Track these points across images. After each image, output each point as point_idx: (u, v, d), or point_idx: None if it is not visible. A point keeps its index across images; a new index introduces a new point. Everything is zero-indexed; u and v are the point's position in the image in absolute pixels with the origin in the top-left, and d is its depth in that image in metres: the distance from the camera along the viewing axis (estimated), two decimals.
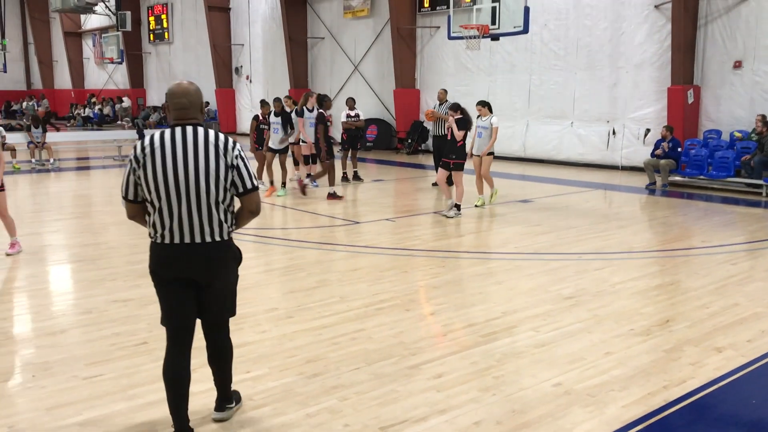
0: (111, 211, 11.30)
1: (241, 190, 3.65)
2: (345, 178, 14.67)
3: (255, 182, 3.71)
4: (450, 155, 10.69)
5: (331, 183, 12.42)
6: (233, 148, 3.62)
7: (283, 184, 13.14)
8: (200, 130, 3.59)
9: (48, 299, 6.60)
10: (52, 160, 17.61)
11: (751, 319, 5.86)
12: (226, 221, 3.65)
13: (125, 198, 3.66)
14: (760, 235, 9.66)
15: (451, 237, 9.47)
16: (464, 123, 10.57)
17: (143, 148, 3.54)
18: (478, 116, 11.53)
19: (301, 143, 13.73)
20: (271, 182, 13.04)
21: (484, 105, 11.52)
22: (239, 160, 3.62)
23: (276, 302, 6.37)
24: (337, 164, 15.71)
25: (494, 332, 5.53)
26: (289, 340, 5.31)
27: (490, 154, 11.51)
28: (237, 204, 3.79)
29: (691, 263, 8.05)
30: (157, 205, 3.54)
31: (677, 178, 14.13)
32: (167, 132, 3.58)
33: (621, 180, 15.31)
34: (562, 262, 7.92)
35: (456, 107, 10.72)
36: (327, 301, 6.32)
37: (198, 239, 3.57)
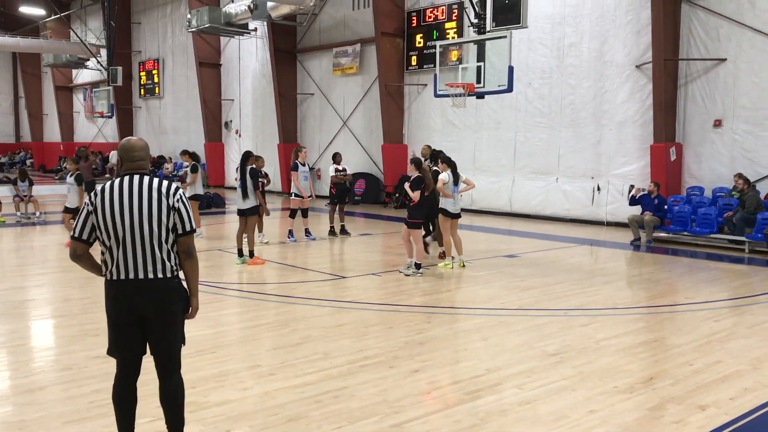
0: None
1: (180, 231, 4.00)
2: (332, 232, 14.69)
3: (192, 226, 4.05)
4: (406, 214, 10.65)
5: (441, 243, 11.74)
6: (175, 193, 4.00)
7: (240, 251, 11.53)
8: (146, 178, 4.00)
9: (28, 355, 6.52)
10: (38, 214, 17.56)
11: (734, 377, 5.87)
12: (168, 260, 3.97)
13: (74, 237, 3.98)
14: (742, 292, 9.73)
15: (438, 292, 9.47)
16: (418, 182, 10.35)
17: (96, 193, 3.97)
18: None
19: (293, 197, 13.88)
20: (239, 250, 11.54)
21: (443, 161, 11.21)
22: (180, 204, 4.00)
23: (259, 359, 6.32)
24: (325, 218, 15.81)
25: (478, 390, 5.50)
26: (271, 398, 5.26)
27: (439, 212, 11.01)
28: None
29: (676, 320, 8.08)
30: (108, 243, 3.94)
31: (662, 234, 14.26)
32: (118, 179, 4.00)
33: (606, 236, 15.43)
34: (548, 318, 7.93)
35: (415, 161, 10.51)
36: (310, 358, 6.28)
37: (141, 275, 3.91)
